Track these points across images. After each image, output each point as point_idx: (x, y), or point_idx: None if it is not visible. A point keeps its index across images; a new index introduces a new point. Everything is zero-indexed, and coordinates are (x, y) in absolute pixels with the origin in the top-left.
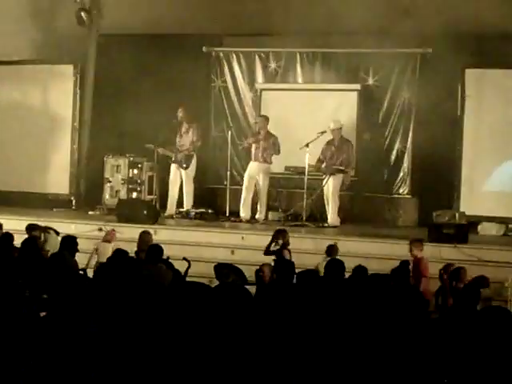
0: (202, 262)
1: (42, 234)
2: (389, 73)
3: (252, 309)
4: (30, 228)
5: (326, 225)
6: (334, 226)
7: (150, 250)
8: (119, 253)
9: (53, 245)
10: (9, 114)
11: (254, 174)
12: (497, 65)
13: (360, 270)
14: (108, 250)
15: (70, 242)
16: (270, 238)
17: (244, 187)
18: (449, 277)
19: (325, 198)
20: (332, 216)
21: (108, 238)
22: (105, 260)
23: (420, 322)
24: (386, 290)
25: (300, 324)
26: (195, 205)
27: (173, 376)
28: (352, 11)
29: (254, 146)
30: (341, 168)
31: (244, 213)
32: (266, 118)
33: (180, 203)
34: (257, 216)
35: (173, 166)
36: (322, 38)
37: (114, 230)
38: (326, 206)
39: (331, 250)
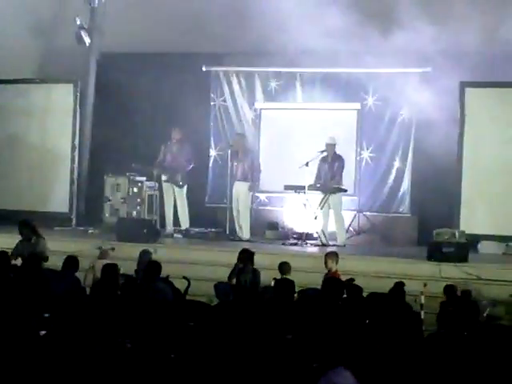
0: (201, 280)
1: (34, 237)
2: (388, 92)
3: (252, 326)
4: (24, 224)
5: (336, 244)
6: (344, 245)
7: (148, 268)
8: (109, 268)
9: (42, 249)
10: (8, 132)
11: (236, 194)
12: (496, 84)
13: (355, 288)
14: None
15: (72, 262)
16: (270, 257)
17: (233, 207)
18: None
19: (322, 217)
20: (340, 235)
21: (103, 256)
22: None
23: (414, 340)
24: (383, 308)
25: (300, 341)
26: (195, 223)
27: None
28: (351, 31)
29: (234, 165)
30: (340, 187)
31: (239, 232)
32: (243, 137)
33: (178, 222)
34: (239, 234)
35: (165, 186)
36: (321, 57)
37: (111, 248)
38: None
39: (283, 267)
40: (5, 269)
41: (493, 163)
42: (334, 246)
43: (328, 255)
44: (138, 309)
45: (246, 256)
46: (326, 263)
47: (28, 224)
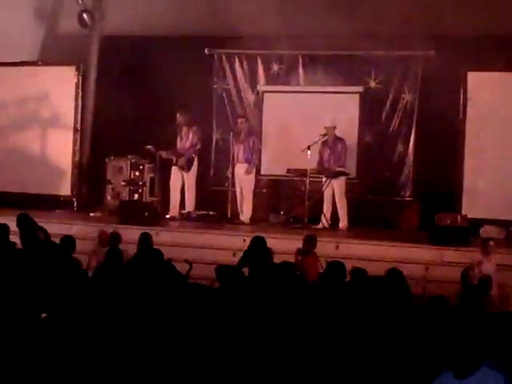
0: (203, 264)
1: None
2: (391, 75)
3: (253, 310)
4: (22, 220)
5: (339, 228)
6: (346, 229)
7: (150, 255)
8: (113, 252)
9: None
10: (10, 115)
11: (238, 177)
12: (499, 68)
13: (358, 272)
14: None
15: (68, 243)
16: (272, 241)
17: (236, 190)
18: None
19: (324, 201)
20: (343, 219)
21: (105, 242)
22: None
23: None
24: (383, 293)
25: (300, 325)
26: (197, 207)
27: (173, 376)
28: (354, 14)
29: (235, 148)
30: (342, 170)
31: (241, 215)
32: (246, 120)
33: (182, 205)
34: (241, 217)
35: (174, 169)
36: (324, 40)
37: (112, 231)
38: (324, 209)
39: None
40: (5, 244)
41: (495, 148)
42: (336, 229)
43: (307, 238)
44: (138, 292)
45: (259, 244)
46: (304, 246)
47: (26, 219)
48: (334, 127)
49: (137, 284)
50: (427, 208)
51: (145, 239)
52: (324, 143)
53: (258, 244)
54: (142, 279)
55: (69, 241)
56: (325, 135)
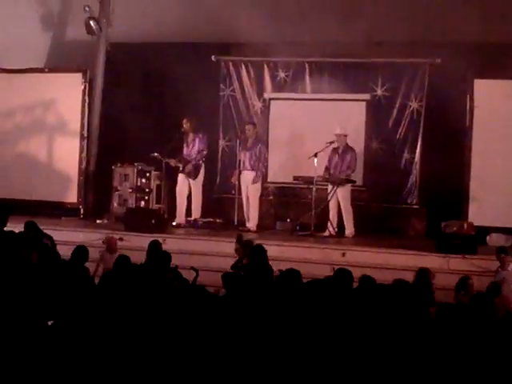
0: (209, 271)
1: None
2: (398, 83)
3: (260, 317)
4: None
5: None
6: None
7: (158, 258)
8: (122, 260)
9: None
10: (17, 121)
11: (244, 184)
12: (506, 75)
13: (367, 280)
14: (113, 260)
15: (81, 253)
16: (277, 248)
17: (243, 197)
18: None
19: (330, 208)
20: (348, 227)
21: (112, 248)
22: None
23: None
24: (391, 300)
25: (307, 332)
26: (203, 214)
27: (180, 380)
28: (361, 21)
29: (242, 154)
30: (348, 178)
31: (247, 223)
32: (255, 126)
33: (188, 212)
34: (247, 224)
35: (180, 176)
36: (330, 47)
37: (119, 238)
38: (331, 217)
39: None
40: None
41: (502, 155)
42: (342, 237)
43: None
44: (146, 298)
45: (257, 253)
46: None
47: (33, 227)
48: (345, 135)
49: (144, 290)
50: (434, 215)
51: (154, 246)
52: (334, 150)
53: (258, 253)
54: (149, 284)
55: (81, 251)
56: (331, 143)
